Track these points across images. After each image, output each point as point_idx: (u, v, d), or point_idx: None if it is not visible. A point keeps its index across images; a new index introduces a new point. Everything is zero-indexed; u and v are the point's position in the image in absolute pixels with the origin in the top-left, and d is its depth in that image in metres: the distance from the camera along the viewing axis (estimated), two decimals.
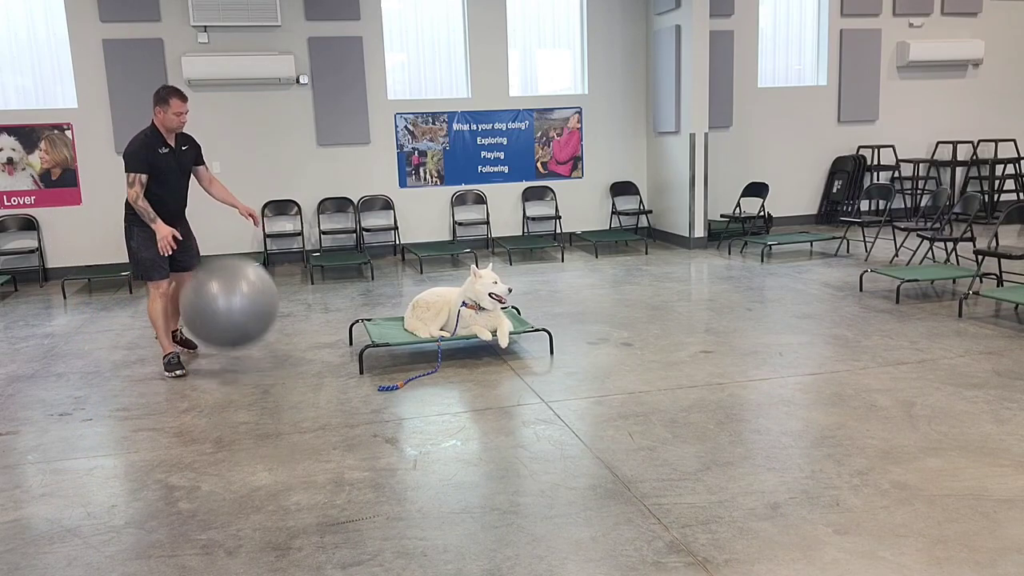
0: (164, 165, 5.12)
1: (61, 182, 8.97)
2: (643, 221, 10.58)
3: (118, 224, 9.19)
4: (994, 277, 6.80)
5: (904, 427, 3.94)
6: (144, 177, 5.02)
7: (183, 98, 5.09)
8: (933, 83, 11.27)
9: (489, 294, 5.27)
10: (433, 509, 3.26)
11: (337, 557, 2.92)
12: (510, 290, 5.36)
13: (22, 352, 5.96)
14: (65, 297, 8.05)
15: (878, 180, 11.03)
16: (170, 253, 5.09)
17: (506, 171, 10.16)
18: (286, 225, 9.57)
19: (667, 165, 10.06)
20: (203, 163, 5.50)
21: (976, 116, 11.48)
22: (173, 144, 5.18)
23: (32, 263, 8.92)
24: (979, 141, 11.33)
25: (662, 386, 4.69)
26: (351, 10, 9.37)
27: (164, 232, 5.03)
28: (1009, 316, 6.02)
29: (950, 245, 7.80)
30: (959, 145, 11.22)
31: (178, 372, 5.21)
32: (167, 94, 5.04)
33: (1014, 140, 11.41)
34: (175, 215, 5.28)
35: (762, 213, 9.89)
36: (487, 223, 10.12)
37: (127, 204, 5.14)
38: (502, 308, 5.46)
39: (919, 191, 11.22)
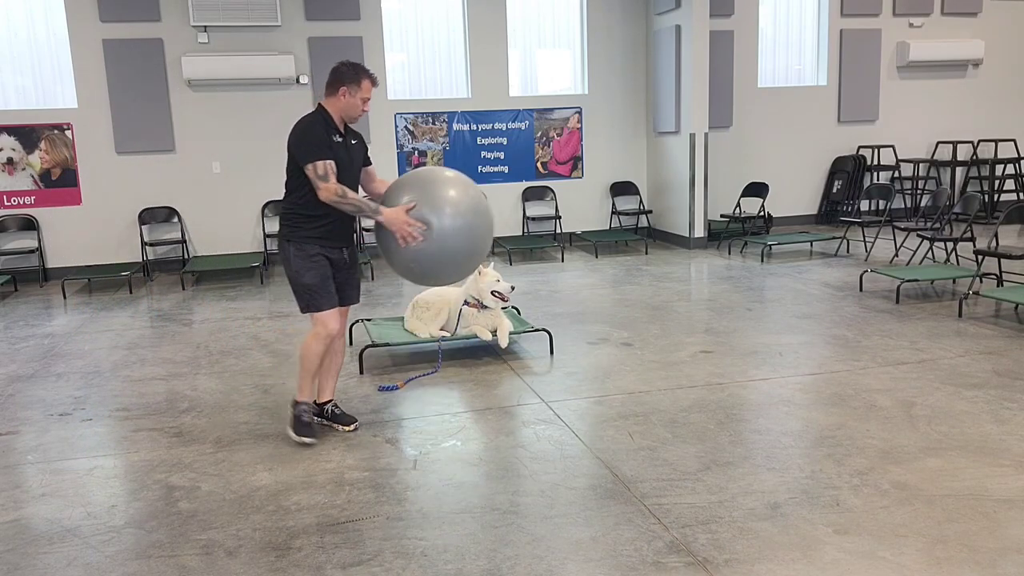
0: (339, 159, 3.88)
1: (61, 182, 8.97)
2: (643, 221, 10.58)
3: (118, 224, 9.36)
4: (994, 277, 6.79)
5: (904, 427, 3.94)
6: (333, 164, 3.78)
7: (375, 82, 3.97)
8: (933, 83, 11.27)
9: (492, 292, 5.27)
10: (433, 509, 3.26)
11: (337, 557, 2.92)
12: (513, 288, 5.36)
13: (22, 352, 5.96)
14: (65, 297, 8.05)
15: (878, 180, 11.03)
16: (416, 242, 3.79)
17: (506, 171, 10.16)
18: None
19: (667, 165, 10.06)
20: (371, 162, 4.24)
21: (976, 116, 11.48)
22: (344, 135, 3.98)
23: (32, 263, 8.92)
24: (979, 141, 11.33)
25: (662, 386, 4.69)
26: (351, 10, 9.38)
27: (392, 217, 3.78)
28: (1009, 316, 6.02)
29: (950, 245, 7.80)
30: (959, 145, 11.22)
31: (307, 439, 3.97)
32: (360, 74, 3.89)
33: (1014, 140, 11.41)
34: (347, 229, 4.04)
35: (762, 213, 9.88)
36: None
37: (286, 216, 3.97)
38: (502, 307, 5.46)
39: (919, 191, 11.22)
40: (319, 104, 3.98)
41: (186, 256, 9.29)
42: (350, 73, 3.89)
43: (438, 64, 9.98)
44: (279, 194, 9.62)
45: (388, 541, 3.02)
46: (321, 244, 3.94)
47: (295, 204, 3.94)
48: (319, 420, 4.21)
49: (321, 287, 3.92)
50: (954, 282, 7.19)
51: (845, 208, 10.82)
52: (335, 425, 4.20)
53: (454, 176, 4.00)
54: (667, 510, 3.18)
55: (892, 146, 11.14)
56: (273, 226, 9.49)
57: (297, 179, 3.91)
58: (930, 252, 8.01)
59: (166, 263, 9.34)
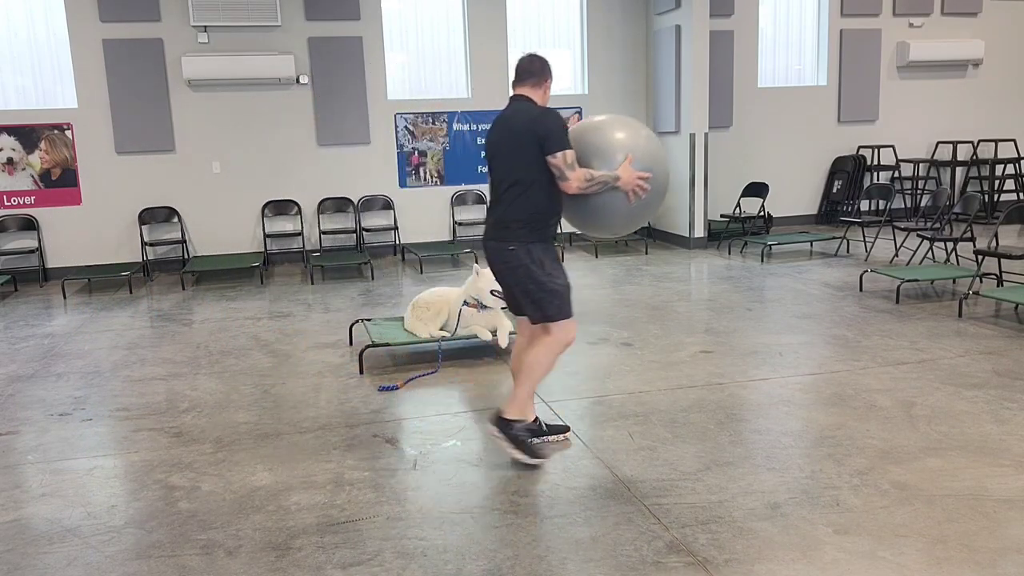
0: None
1: (61, 182, 8.96)
2: None
3: (118, 224, 9.36)
4: (994, 277, 6.79)
5: (904, 427, 3.94)
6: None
7: None
8: (933, 83, 11.27)
9: (491, 292, 5.27)
10: (433, 509, 3.26)
11: (337, 557, 2.92)
12: None
13: (22, 352, 5.96)
14: (65, 297, 8.05)
15: (878, 180, 11.03)
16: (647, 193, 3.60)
17: None
18: (286, 225, 9.57)
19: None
20: None
21: (976, 116, 11.48)
22: None
23: (32, 263, 8.92)
24: (979, 141, 11.32)
25: (662, 386, 4.69)
26: (351, 10, 9.37)
27: (627, 176, 3.54)
28: (1009, 316, 6.02)
29: (950, 245, 7.80)
30: (959, 145, 11.22)
31: (543, 455, 3.71)
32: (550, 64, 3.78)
33: (1014, 140, 11.41)
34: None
35: (762, 213, 9.88)
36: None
37: (524, 216, 3.61)
38: (502, 308, 5.46)
39: (919, 191, 11.22)
40: (523, 96, 3.71)
41: (186, 256, 9.29)
42: (547, 66, 3.74)
43: (438, 64, 9.98)
44: (279, 194, 9.67)
45: (388, 541, 3.02)
46: (553, 243, 3.76)
47: (535, 201, 3.61)
48: (543, 439, 3.91)
49: (569, 291, 3.67)
50: (954, 282, 7.19)
51: (845, 208, 10.82)
52: (552, 437, 3.94)
53: (632, 123, 3.77)
54: (667, 510, 3.18)
55: (892, 146, 11.14)
56: (273, 226, 9.49)
57: (537, 174, 3.59)
58: (930, 252, 8.01)
59: (166, 263, 9.34)
